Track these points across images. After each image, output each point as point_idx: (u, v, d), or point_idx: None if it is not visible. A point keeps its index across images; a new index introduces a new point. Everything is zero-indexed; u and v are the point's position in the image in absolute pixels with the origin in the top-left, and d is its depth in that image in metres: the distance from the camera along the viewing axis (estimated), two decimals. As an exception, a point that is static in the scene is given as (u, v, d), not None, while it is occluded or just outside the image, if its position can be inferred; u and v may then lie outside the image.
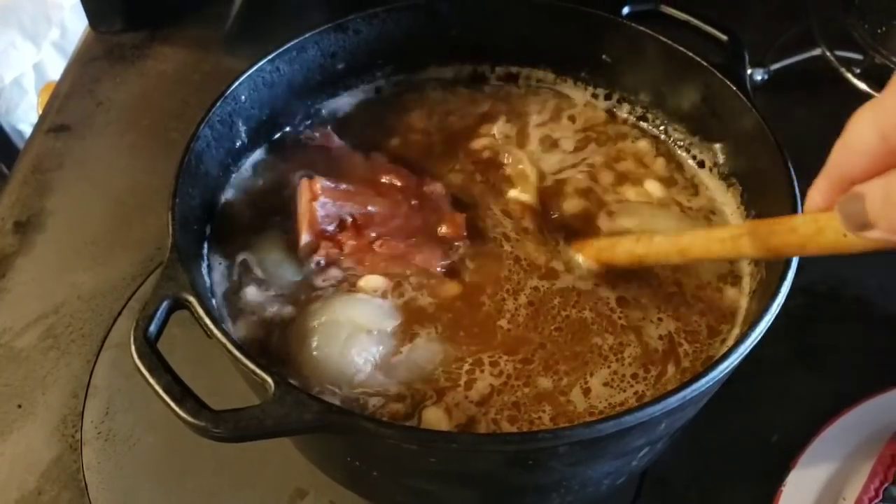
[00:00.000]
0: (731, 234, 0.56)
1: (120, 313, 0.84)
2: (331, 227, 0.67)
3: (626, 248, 0.64)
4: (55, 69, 1.65)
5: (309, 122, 0.79)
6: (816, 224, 0.46)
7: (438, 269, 0.66)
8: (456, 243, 0.68)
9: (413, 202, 0.70)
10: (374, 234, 0.67)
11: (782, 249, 0.51)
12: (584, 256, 0.67)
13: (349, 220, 0.67)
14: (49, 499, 0.71)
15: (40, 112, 1.11)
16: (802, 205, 0.60)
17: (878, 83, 0.99)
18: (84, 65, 1.12)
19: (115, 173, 0.99)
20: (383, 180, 0.72)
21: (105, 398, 0.78)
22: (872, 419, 0.72)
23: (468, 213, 0.71)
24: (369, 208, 0.68)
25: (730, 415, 0.69)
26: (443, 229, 0.69)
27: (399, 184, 0.71)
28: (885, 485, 0.66)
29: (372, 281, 0.65)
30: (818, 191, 0.45)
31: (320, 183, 0.67)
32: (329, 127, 0.78)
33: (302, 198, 0.68)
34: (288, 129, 0.77)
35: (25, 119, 1.64)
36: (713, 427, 0.66)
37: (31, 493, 0.72)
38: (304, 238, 0.66)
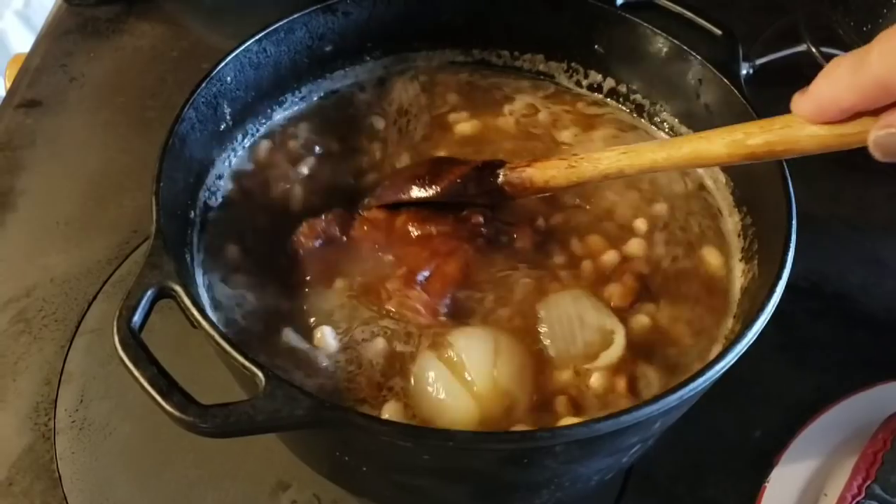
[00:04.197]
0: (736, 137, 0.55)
1: (95, 297, 0.81)
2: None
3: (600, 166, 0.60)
4: (18, 40, 1.60)
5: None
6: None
7: None
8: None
9: (478, 241, 0.65)
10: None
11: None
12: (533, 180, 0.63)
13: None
14: (21, 489, 0.69)
15: (8, 86, 1.07)
16: (795, 205, 0.61)
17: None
18: (56, 38, 1.08)
19: (88, 152, 0.95)
20: (421, 233, 0.65)
21: (79, 385, 0.75)
22: (855, 416, 0.72)
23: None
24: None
25: (713, 410, 0.69)
26: (518, 243, 0.66)
27: (447, 229, 0.65)
28: (868, 482, 0.67)
29: None
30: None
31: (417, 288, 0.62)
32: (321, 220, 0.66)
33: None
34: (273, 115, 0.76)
35: (-15, 90, 1.59)
36: (697, 423, 0.65)
37: (1, 484, 0.69)
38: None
